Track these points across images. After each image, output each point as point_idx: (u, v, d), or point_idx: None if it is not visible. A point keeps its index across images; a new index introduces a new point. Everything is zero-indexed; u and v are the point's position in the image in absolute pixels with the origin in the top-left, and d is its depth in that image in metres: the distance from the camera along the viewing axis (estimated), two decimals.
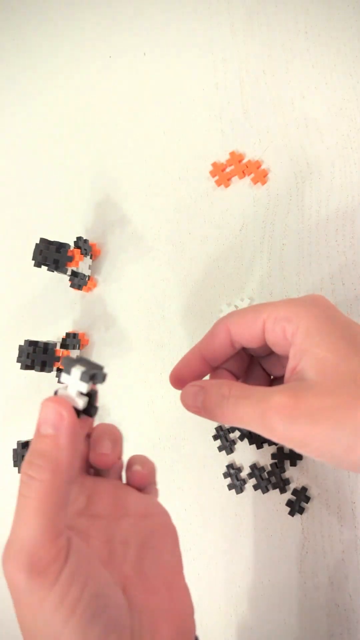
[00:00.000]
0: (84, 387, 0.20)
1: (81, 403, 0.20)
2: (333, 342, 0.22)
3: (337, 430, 0.20)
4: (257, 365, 0.31)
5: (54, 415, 0.20)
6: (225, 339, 0.27)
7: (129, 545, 0.23)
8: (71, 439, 0.20)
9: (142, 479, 0.27)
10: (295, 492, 0.37)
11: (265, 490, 0.38)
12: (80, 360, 0.21)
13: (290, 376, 0.24)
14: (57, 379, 0.44)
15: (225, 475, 0.39)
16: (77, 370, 0.20)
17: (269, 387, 0.23)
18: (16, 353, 0.43)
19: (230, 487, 0.39)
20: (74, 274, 0.43)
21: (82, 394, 0.21)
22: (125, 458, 0.29)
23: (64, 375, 0.21)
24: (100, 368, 0.21)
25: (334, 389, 0.21)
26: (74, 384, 0.20)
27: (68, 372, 0.21)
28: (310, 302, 0.24)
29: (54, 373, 0.44)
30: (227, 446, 0.39)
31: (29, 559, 0.18)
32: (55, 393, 0.21)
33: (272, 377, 0.31)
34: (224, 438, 0.40)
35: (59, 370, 0.43)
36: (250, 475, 0.39)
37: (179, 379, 0.28)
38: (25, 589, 0.18)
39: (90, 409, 0.21)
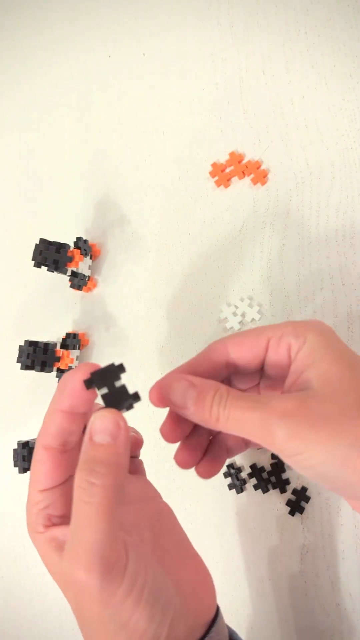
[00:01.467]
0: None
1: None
2: (338, 356, 0.23)
3: (336, 439, 0.20)
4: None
5: (112, 425, 0.21)
6: (220, 360, 0.26)
7: (141, 529, 0.25)
8: (127, 445, 0.22)
9: (137, 444, 0.29)
10: (295, 492, 0.37)
11: (265, 490, 0.38)
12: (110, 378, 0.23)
13: (289, 389, 0.24)
14: (57, 379, 0.44)
15: (226, 475, 0.39)
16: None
17: (271, 393, 0.23)
18: (16, 353, 0.43)
19: (230, 487, 0.39)
20: (74, 274, 0.43)
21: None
22: None
23: (102, 391, 0.23)
24: (135, 397, 0.23)
25: (338, 397, 0.21)
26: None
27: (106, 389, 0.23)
28: (315, 323, 0.25)
29: (54, 373, 0.44)
30: None
31: (101, 560, 0.20)
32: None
33: None
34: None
35: (60, 371, 0.43)
36: (251, 475, 0.39)
37: (161, 396, 0.26)
38: (98, 587, 0.20)
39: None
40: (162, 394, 0.26)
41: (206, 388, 0.24)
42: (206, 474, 0.28)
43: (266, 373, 0.27)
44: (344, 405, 0.21)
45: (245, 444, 0.29)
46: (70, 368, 0.44)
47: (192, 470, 0.41)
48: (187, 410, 0.24)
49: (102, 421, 0.22)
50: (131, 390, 0.23)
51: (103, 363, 0.44)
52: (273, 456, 0.38)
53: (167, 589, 0.23)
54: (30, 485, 0.25)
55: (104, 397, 0.23)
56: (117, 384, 0.23)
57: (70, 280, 0.44)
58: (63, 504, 0.25)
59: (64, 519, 0.24)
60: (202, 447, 0.29)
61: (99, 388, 0.23)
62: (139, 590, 0.21)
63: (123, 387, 0.23)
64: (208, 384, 0.24)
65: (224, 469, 0.40)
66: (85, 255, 0.44)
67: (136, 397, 0.23)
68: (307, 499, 0.36)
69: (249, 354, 0.26)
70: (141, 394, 0.23)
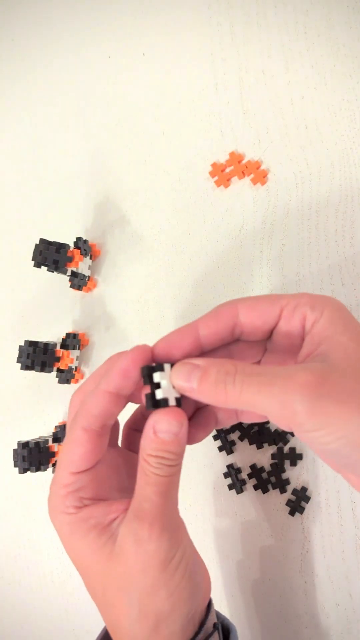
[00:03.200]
0: (177, 393, 0.25)
1: (174, 402, 0.24)
2: (357, 333, 0.23)
3: (355, 418, 0.20)
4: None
5: (177, 427, 0.24)
6: (228, 323, 0.25)
7: None
8: (185, 439, 0.25)
9: None
10: (295, 492, 0.37)
11: (265, 490, 0.38)
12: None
13: (304, 360, 0.23)
14: (57, 379, 0.44)
15: (226, 475, 0.39)
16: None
17: (288, 365, 0.22)
18: (16, 353, 0.43)
19: (230, 487, 0.39)
20: (74, 275, 0.43)
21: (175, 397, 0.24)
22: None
23: (157, 375, 0.24)
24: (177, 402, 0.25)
25: (357, 375, 0.21)
26: (167, 387, 0.24)
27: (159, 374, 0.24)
28: (331, 298, 0.25)
29: (54, 373, 0.44)
30: (227, 446, 0.39)
31: (169, 525, 0.24)
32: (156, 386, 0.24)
33: None
34: (224, 438, 0.40)
35: (60, 371, 0.43)
36: (251, 476, 0.39)
37: (165, 353, 0.25)
38: (166, 548, 0.23)
39: (180, 403, 0.25)
40: (164, 352, 0.25)
41: (211, 367, 0.23)
42: (189, 440, 0.28)
43: (274, 343, 0.26)
44: None
45: (236, 415, 0.29)
46: (70, 368, 0.44)
47: (193, 471, 0.41)
48: (192, 391, 0.24)
49: (166, 420, 0.24)
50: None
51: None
52: (273, 456, 0.38)
53: (200, 570, 0.26)
54: (61, 468, 0.25)
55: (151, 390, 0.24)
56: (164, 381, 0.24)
57: (70, 280, 0.45)
58: (94, 487, 0.26)
59: (95, 500, 0.25)
60: (187, 413, 0.28)
61: (151, 381, 0.24)
62: (186, 563, 0.24)
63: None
64: (213, 363, 0.23)
65: (224, 469, 0.40)
66: (85, 255, 0.44)
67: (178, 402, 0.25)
68: (307, 499, 0.37)
69: (259, 320, 0.25)
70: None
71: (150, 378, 0.24)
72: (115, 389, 0.25)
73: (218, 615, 0.29)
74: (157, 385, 0.24)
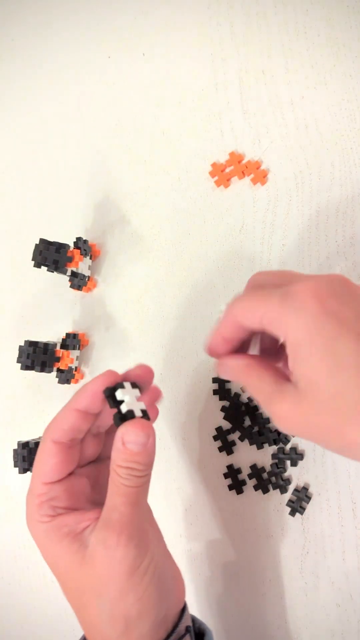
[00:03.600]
0: (142, 405, 0.27)
1: (140, 413, 0.27)
2: (318, 359, 0.22)
3: (326, 444, 0.23)
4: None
5: (144, 438, 0.25)
6: (237, 325, 0.27)
7: None
8: (154, 449, 0.26)
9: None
10: (295, 492, 0.37)
11: (265, 490, 0.38)
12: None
13: (290, 372, 0.25)
14: (57, 379, 0.44)
15: (226, 475, 0.39)
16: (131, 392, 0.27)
17: (277, 384, 0.24)
18: (16, 353, 0.43)
19: (230, 487, 0.39)
20: (74, 275, 0.43)
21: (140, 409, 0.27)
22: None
23: (119, 392, 0.27)
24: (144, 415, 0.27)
25: (319, 408, 0.22)
26: (130, 401, 0.26)
27: (120, 391, 0.27)
28: (300, 306, 0.23)
29: (54, 373, 0.44)
30: (227, 447, 0.39)
31: (138, 532, 0.25)
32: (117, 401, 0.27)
33: None
34: (224, 438, 0.40)
35: (60, 371, 0.43)
36: (251, 476, 0.39)
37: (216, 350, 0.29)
38: (133, 555, 0.25)
39: (146, 414, 0.27)
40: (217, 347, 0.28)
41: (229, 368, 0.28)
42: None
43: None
44: (325, 415, 0.22)
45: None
46: (70, 368, 0.44)
47: (193, 471, 0.41)
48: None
49: (133, 433, 0.25)
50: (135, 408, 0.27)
51: (103, 363, 0.44)
52: (273, 456, 0.38)
53: (172, 575, 0.28)
54: (35, 478, 0.27)
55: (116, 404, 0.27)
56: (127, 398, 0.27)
57: (70, 280, 0.44)
58: (67, 496, 0.27)
59: (68, 510, 0.27)
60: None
61: (114, 401, 0.26)
62: (154, 568, 0.25)
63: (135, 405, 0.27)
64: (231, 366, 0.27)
65: (224, 469, 0.39)
66: (85, 255, 0.44)
67: (145, 415, 0.27)
68: (308, 499, 0.36)
69: (252, 327, 0.26)
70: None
71: (113, 397, 0.26)
72: (84, 407, 0.27)
73: (194, 619, 0.30)
74: (121, 402, 0.26)
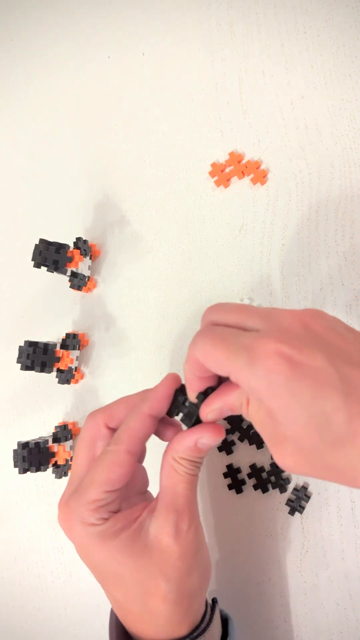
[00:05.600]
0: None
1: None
2: (302, 426, 0.21)
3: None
4: None
5: (218, 441, 0.28)
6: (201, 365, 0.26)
7: None
8: None
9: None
10: (295, 491, 0.37)
11: (265, 489, 0.38)
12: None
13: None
14: (57, 380, 0.44)
15: (225, 475, 0.39)
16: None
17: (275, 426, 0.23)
18: (16, 353, 0.43)
19: (230, 487, 0.39)
20: (74, 275, 0.43)
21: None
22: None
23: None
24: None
25: (318, 461, 0.23)
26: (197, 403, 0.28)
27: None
28: (262, 374, 0.21)
29: (54, 374, 0.44)
30: (227, 446, 0.39)
31: (197, 513, 0.29)
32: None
33: None
34: (224, 438, 0.40)
35: (59, 371, 0.43)
36: (250, 475, 0.39)
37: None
38: (195, 534, 0.28)
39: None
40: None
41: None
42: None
43: None
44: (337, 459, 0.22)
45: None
46: (70, 368, 0.44)
47: None
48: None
49: (212, 440, 0.27)
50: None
51: (103, 363, 0.44)
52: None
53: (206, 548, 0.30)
54: (96, 485, 0.27)
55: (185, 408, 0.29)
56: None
57: (70, 280, 0.44)
58: (119, 500, 0.28)
59: (118, 509, 0.28)
60: None
61: (182, 403, 0.29)
62: (204, 545, 0.29)
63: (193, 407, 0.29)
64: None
65: (224, 469, 0.40)
66: (85, 255, 0.44)
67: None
68: (307, 498, 0.37)
69: (221, 373, 0.24)
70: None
71: (182, 400, 0.29)
72: (157, 413, 0.28)
73: (218, 604, 0.32)
74: (186, 403, 0.28)
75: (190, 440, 0.27)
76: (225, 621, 0.31)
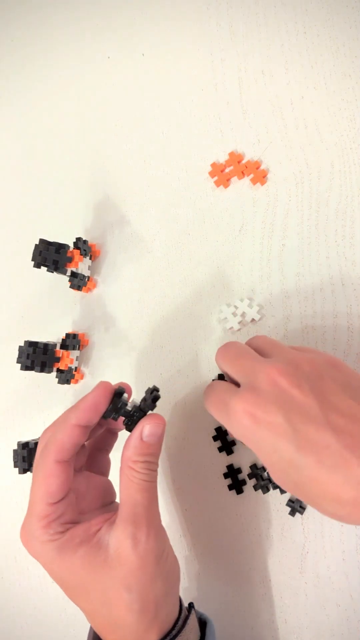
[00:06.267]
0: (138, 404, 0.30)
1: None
2: (282, 478, 0.26)
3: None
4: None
5: (161, 429, 0.29)
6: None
7: None
8: (162, 442, 0.30)
9: None
10: None
11: (265, 490, 0.38)
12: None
13: None
14: (57, 380, 0.44)
15: (226, 475, 0.39)
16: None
17: None
18: (16, 354, 0.43)
19: (230, 487, 0.39)
20: (74, 275, 0.43)
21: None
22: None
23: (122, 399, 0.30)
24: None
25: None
26: (132, 403, 0.30)
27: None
28: (243, 421, 0.26)
29: (54, 374, 0.44)
30: (227, 446, 0.39)
31: (157, 522, 0.29)
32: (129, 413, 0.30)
33: None
34: (224, 438, 0.40)
35: (59, 371, 0.43)
36: (251, 476, 0.39)
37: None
38: (158, 541, 0.28)
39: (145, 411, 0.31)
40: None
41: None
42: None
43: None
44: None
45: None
46: (70, 368, 0.44)
47: (192, 471, 0.41)
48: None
49: (154, 427, 0.29)
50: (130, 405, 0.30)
51: (103, 363, 0.44)
52: None
53: (172, 553, 0.30)
54: (37, 501, 0.28)
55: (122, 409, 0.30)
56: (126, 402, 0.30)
57: (69, 280, 0.44)
58: (71, 510, 0.28)
59: (74, 522, 0.28)
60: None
61: (117, 413, 0.29)
62: (168, 551, 0.29)
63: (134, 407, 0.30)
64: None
65: (224, 469, 0.40)
66: (85, 255, 0.44)
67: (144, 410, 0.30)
68: None
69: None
70: (133, 393, 0.25)
71: (117, 404, 0.29)
72: (85, 422, 0.28)
73: (195, 609, 0.32)
74: (124, 406, 0.29)
75: (135, 438, 0.28)
76: (204, 625, 0.31)
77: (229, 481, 0.39)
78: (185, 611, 0.30)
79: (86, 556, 0.26)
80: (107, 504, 0.32)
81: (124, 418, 0.29)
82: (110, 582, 0.26)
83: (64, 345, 0.43)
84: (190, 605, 0.31)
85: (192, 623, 0.29)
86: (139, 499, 0.27)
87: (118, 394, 0.29)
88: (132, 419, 0.29)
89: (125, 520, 0.27)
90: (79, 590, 0.27)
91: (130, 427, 0.29)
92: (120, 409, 0.29)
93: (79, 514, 0.30)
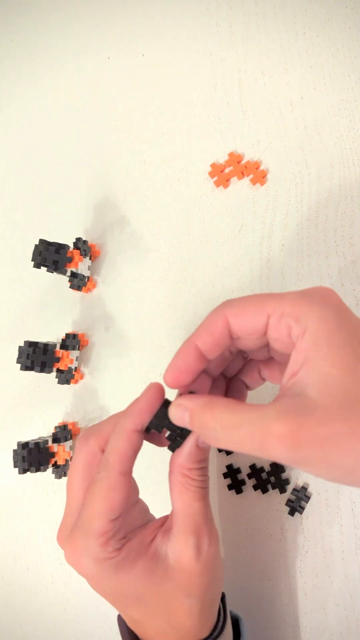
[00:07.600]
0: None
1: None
2: (341, 355, 0.20)
3: (341, 459, 0.20)
4: (254, 368, 0.30)
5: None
6: (223, 330, 0.25)
7: None
8: None
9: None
10: (295, 491, 0.37)
11: (265, 490, 0.38)
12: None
13: (288, 381, 0.22)
14: (56, 380, 0.44)
15: (225, 475, 0.39)
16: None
17: (264, 407, 0.21)
18: (16, 354, 0.43)
19: (230, 487, 0.39)
20: (74, 275, 0.43)
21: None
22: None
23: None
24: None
25: (338, 413, 0.20)
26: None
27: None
28: (321, 300, 0.22)
29: (53, 374, 0.44)
30: None
31: (214, 528, 0.27)
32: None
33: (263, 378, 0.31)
34: None
35: (59, 371, 0.43)
36: (250, 476, 0.39)
37: (176, 381, 0.26)
38: (214, 551, 0.27)
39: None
40: (175, 380, 0.26)
41: (195, 416, 0.24)
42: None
43: (271, 346, 0.25)
44: (346, 421, 0.19)
45: (262, 378, 0.31)
46: (70, 369, 0.44)
47: None
48: (191, 428, 0.25)
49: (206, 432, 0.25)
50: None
51: (103, 363, 0.44)
52: None
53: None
54: (99, 516, 0.25)
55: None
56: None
57: (69, 280, 0.45)
58: (125, 525, 0.26)
59: (126, 537, 0.26)
60: (222, 389, 0.31)
61: (164, 418, 0.26)
62: (220, 553, 0.28)
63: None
64: (196, 409, 0.24)
65: (224, 469, 0.40)
66: (85, 255, 0.44)
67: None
68: (307, 499, 0.37)
69: (249, 328, 0.24)
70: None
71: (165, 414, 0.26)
72: (141, 426, 0.26)
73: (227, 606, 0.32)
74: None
75: (190, 445, 0.26)
76: (234, 620, 0.32)
77: (228, 481, 0.39)
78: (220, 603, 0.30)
79: (145, 570, 0.25)
80: (134, 503, 0.30)
81: (167, 432, 0.26)
82: (171, 591, 0.25)
83: (64, 345, 0.43)
84: (222, 596, 0.31)
85: (228, 616, 0.30)
86: (197, 508, 0.26)
87: (165, 403, 0.26)
88: (182, 433, 0.26)
89: (185, 532, 0.26)
90: (133, 602, 0.26)
91: (177, 443, 0.26)
92: (165, 420, 0.26)
93: (129, 526, 0.27)
